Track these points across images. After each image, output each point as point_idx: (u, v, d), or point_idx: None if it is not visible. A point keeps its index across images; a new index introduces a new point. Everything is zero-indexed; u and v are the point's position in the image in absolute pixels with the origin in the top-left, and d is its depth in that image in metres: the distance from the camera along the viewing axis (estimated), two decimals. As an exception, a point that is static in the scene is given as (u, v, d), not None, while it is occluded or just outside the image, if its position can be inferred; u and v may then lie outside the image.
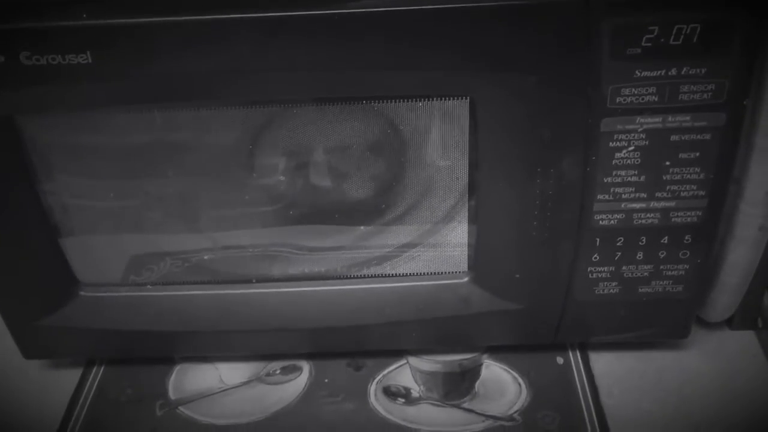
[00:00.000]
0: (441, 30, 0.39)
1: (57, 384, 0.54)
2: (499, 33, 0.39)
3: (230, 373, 0.54)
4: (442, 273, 0.51)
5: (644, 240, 0.47)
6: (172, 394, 0.53)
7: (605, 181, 0.44)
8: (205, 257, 0.53)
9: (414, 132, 0.46)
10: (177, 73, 0.40)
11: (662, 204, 0.45)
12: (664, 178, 0.44)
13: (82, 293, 0.51)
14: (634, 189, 0.44)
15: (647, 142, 0.42)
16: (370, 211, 0.51)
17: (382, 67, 0.40)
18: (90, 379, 0.54)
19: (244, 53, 0.39)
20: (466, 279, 0.50)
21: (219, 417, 0.51)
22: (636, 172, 0.44)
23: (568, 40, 0.39)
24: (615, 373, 0.54)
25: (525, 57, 0.39)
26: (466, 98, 0.43)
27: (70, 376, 0.54)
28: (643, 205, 0.45)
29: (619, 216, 0.45)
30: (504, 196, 0.45)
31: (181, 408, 0.52)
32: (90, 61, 0.39)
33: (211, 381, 0.54)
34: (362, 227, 0.52)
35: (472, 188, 0.47)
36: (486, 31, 0.38)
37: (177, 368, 0.55)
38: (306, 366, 0.55)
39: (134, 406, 0.52)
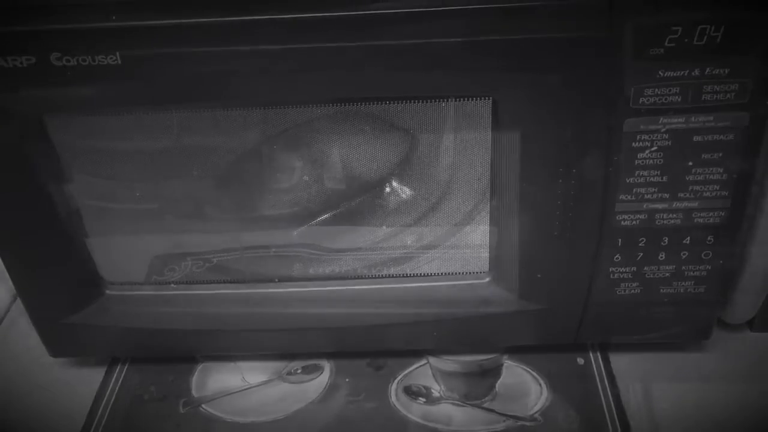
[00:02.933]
0: (464, 31, 0.39)
1: (82, 381, 0.55)
2: (522, 34, 0.39)
3: (252, 371, 0.55)
4: (462, 273, 0.51)
5: (666, 240, 0.47)
6: (195, 392, 0.53)
7: (627, 181, 0.44)
8: (227, 258, 0.54)
9: (435, 132, 0.47)
10: (205, 74, 0.40)
11: (685, 204, 0.45)
12: (687, 178, 0.44)
13: (107, 292, 0.52)
14: (656, 189, 0.44)
15: (670, 143, 0.43)
16: (391, 212, 0.52)
17: (403, 68, 0.40)
18: (114, 377, 0.55)
19: (270, 54, 0.39)
20: (487, 279, 0.51)
21: (241, 415, 0.51)
22: (659, 173, 0.44)
23: (591, 40, 0.39)
24: (635, 373, 0.54)
25: (548, 57, 0.39)
26: (488, 98, 0.43)
27: (95, 374, 0.55)
28: (665, 205, 0.45)
29: (641, 216, 0.46)
30: (526, 197, 0.46)
31: (204, 406, 0.52)
32: (119, 62, 0.39)
33: (233, 380, 0.54)
34: (384, 228, 0.53)
35: (494, 189, 0.47)
36: (509, 32, 0.39)
37: (200, 367, 0.55)
38: (327, 365, 0.55)
39: (158, 404, 0.52)
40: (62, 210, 0.47)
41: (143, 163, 0.49)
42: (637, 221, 0.46)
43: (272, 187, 0.52)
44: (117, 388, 0.54)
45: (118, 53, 0.39)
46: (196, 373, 0.55)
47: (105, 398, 0.53)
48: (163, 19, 0.39)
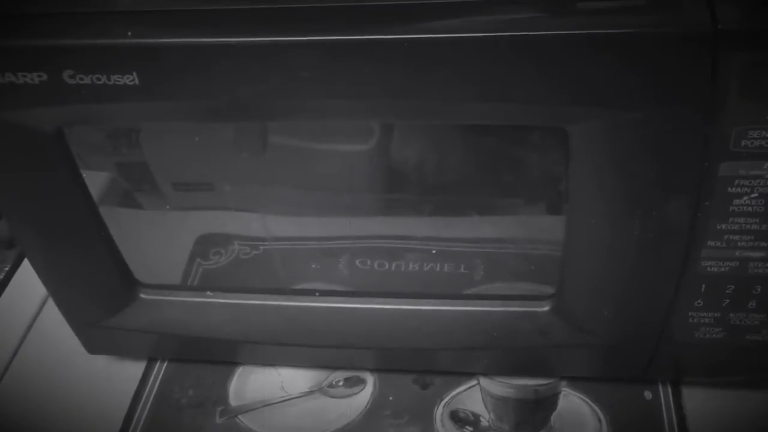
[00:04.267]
0: (533, 59, 0.33)
1: (121, 377, 0.53)
2: (600, 65, 0.32)
3: (292, 380, 0.52)
4: (521, 299, 0.46)
5: (759, 289, 0.40)
6: (232, 400, 0.51)
7: (718, 227, 0.38)
8: (276, 247, 0.50)
9: (505, 160, 0.41)
10: (230, 97, 0.36)
11: (785, 254, 0.39)
12: (792, 228, 0.37)
13: (142, 296, 0.49)
14: (753, 237, 0.38)
15: (775, 190, 0.36)
16: (455, 238, 0.47)
17: (466, 98, 0.35)
18: (153, 376, 0.53)
19: (303, 79, 0.34)
20: (546, 308, 0.46)
21: (278, 430, 0.49)
22: (757, 220, 0.37)
23: (687, 74, 0.32)
24: (709, 413, 0.48)
25: (630, 92, 0.33)
26: (561, 130, 0.37)
27: (134, 370, 0.54)
28: (762, 254, 0.39)
29: (731, 264, 0.39)
30: (597, 233, 0.40)
31: (240, 417, 0.50)
32: (137, 82, 0.35)
33: (272, 388, 0.52)
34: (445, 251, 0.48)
35: (569, 220, 0.41)
36: (586, 62, 0.32)
37: (239, 370, 0.53)
38: (370, 379, 0.52)
39: (194, 410, 0.51)
40: (87, 213, 0.44)
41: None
42: (726, 268, 0.40)
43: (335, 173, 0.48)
44: (155, 388, 0.52)
45: (135, 73, 0.35)
46: (235, 378, 0.52)
47: (143, 400, 0.51)
48: (185, 37, 0.34)
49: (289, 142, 0.44)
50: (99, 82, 0.35)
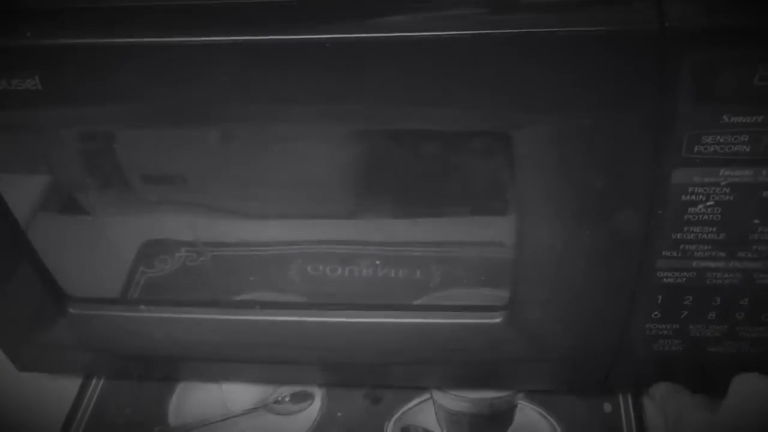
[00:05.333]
0: (470, 59, 0.30)
1: (54, 395, 0.50)
2: (543, 67, 0.30)
3: (236, 396, 0.49)
4: (472, 311, 0.44)
5: (718, 300, 0.38)
6: (172, 420, 0.48)
7: (674, 237, 0.35)
8: (225, 253, 0.48)
9: (451, 167, 0.39)
10: (139, 102, 0.33)
11: (745, 264, 0.36)
12: (751, 237, 0.35)
13: (70, 310, 0.46)
14: (710, 247, 0.36)
15: (731, 197, 0.34)
16: (410, 242, 0.45)
17: (402, 102, 0.32)
18: (88, 394, 0.50)
19: (223, 83, 0.32)
20: (499, 320, 0.43)
21: (218, 452, 0.47)
22: (714, 229, 0.35)
23: (635, 77, 0.30)
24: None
25: (576, 96, 0.31)
26: (504, 135, 0.34)
27: (69, 387, 0.51)
28: (720, 264, 0.36)
29: (688, 274, 0.37)
30: (547, 242, 0.37)
31: (179, 438, 0.48)
32: (39, 87, 0.32)
33: (214, 406, 0.49)
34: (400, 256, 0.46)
35: (518, 228, 0.39)
36: (527, 64, 0.30)
37: (180, 387, 0.50)
38: (318, 394, 0.49)
39: (132, 431, 0.48)
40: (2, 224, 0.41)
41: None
42: (683, 279, 0.37)
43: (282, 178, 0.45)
44: (90, 407, 0.49)
45: (37, 77, 0.32)
46: (175, 395, 0.49)
47: (77, 420, 0.48)
48: (91, 38, 0.31)
49: (249, 141, 0.42)
50: (-1, 88, 0.32)
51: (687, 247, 0.36)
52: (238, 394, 0.49)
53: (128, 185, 0.44)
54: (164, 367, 0.48)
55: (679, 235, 0.35)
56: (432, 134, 0.38)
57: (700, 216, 0.34)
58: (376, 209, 0.45)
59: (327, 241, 0.47)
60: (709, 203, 0.34)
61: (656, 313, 0.39)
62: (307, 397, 0.49)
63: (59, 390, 0.50)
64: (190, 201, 0.45)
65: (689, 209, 0.34)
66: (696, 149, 0.32)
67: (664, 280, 0.37)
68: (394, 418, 0.48)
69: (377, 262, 0.47)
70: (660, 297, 0.38)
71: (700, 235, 0.35)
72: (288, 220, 0.46)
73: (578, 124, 0.31)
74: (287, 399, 0.49)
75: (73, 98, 0.32)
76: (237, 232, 0.47)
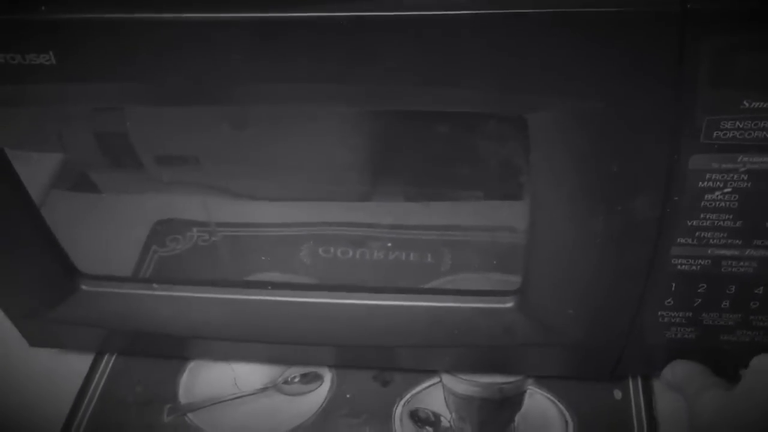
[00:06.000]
0: (485, 40, 0.30)
1: (65, 372, 0.50)
2: (560, 48, 0.29)
3: (246, 376, 0.49)
4: (483, 296, 0.44)
5: (733, 288, 0.38)
6: (182, 397, 0.48)
7: (689, 224, 0.35)
8: (236, 234, 0.48)
9: (464, 150, 0.38)
10: (154, 78, 0.32)
11: (761, 253, 0.36)
12: (768, 225, 0.35)
13: (83, 287, 0.46)
14: (725, 234, 0.35)
15: (749, 184, 0.33)
16: (422, 225, 0.45)
17: (416, 82, 0.32)
18: (99, 371, 0.50)
19: (235, 61, 0.31)
20: (510, 305, 0.43)
21: (228, 430, 0.47)
22: (731, 217, 0.35)
23: (653, 58, 0.29)
24: (681, 412, 0.46)
25: (594, 78, 0.30)
26: (519, 118, 0.34)
27: (80, 364, 0.51)
28: (735, 252, 0.36)
29: (703, 262, 0.37)
30: (560, 227, 0.37)
31: (189, 416, 0.48)
32: (54, 62, 0.32)
33: (224, 385, 0.49)
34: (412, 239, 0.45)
35: (532, 213, 0.39)
36: (544, 45, 0.29)
37: (190, 365, 0.50)
38: (328, 375, 0.49)
39: (142, 408, 0.48)
40: (16, 201, 0.41)
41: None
42: (698, 267, 0.37)
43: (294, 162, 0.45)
44: (101, 384, 0.49)
45: (51, 52, 0.32)
46: (185, 373, 0.50)
47: (87, 396, 0.49)
48: (106, 12, 0.31)
49: (263, 122, 0.42)
50: (14, 62, 0.32)
51: (702, 235, 0.35)
52: (248, 374, 0.50)
53: (141, 165, 0.44)
54: (175, 345, 0.48)
55: (694, 222, 0.35)
56: (446, 117, 0.37)
57: (717, 203, 0.34)
58: (388, 192, 0.45)
59: (339, 223, 0.47)
60: (726, 190, 0.33)
61: (669, 300, 0.39)
62: (316, 378, 0.49)
63: (71, 366, 0.51)
64: (203, 181, 0.46)
65: (706, 196, 0.34)
66: (715, 135, 0.31)
67: (679, 267, 0.37)
68: (402, 401, 0.48)
69: (388, 245, 0.47)
70: (674, 284, 0.38)
71: (716, 222, 0.35)
72: (300, 202, 0.46)
73: (595, 108, 0.31)
74: (297, 379, 0.49)
75: (87, 74, 0.32)
76: (249, 213, 0.47)
